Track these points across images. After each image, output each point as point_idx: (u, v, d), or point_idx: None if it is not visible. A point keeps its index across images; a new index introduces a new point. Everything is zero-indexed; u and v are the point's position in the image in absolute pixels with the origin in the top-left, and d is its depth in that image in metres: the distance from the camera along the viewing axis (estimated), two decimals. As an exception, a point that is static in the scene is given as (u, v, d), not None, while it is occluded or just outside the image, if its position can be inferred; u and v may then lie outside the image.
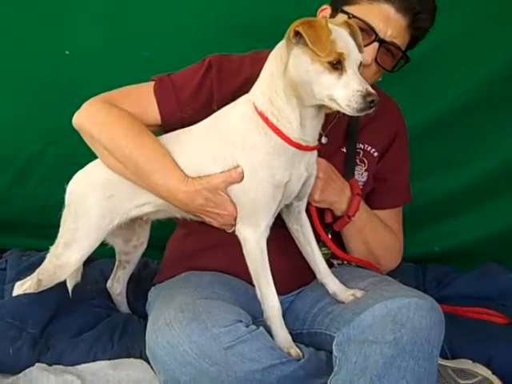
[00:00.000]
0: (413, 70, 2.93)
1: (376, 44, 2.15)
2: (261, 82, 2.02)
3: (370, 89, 1.81)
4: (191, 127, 2.17)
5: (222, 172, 2.03)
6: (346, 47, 1.84)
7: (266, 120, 1.97)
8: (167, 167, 2.09)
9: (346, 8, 2.19)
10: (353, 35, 1.91)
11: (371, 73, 2.22)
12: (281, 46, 1.96)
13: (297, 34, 1.86)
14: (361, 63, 1.88)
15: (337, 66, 1.82)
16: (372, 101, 1.79)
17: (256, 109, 1.99)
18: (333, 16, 2.22)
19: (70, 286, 2.42)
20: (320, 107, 1.96)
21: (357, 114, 1.83)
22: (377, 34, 2.15)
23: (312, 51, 1.82)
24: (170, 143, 2.15)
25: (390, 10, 2.15)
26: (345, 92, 1.81)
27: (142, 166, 2.10)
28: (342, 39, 1.85)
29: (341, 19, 1.99)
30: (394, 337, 1.81)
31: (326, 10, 2.28)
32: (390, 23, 2.15)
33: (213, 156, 2.06)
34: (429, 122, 3.08)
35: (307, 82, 1.87)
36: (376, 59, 2.19)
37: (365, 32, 2.13)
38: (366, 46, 2.11)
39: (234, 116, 2.06)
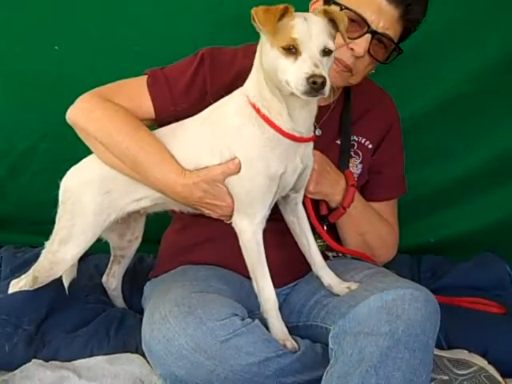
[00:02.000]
0: (406, 61, 2.92)
1: (368, 36, 2.15)
2: (251, 74, 2.04)
3: (318, 71, 1.79)
4: (186, 120, 2.17)
5: (219, 164, 2.03)
6: (303, 32, 1.83)
7: (258, 112, 1.98)
8: (165, 161, 2.09)
9: (338, 0, 2.19)
10: (333, 23, 1.90)
11: (364, 64, 2.22)
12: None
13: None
14: (329, 50, 1.86)
15: (292, 50, 1.82)
16: (314, 82, 1.77)
17: (249, 101, 2.00)
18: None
19: (66, 283, 2.42)
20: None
21: (306, 97, 1.83)
22: (369, 26, 2.15)
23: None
24: (166, 137, 2.15)
25: (381, 1, 2.15)
26: (295, 75, 1.81)
27: (140, 160, 2.10)
28: (302, 25, 1.84)
29: (321, 8, 1.96)
30: (390, 328, 1.80)
31: (317, 2, 2.27)
32: (381, 14, 2.15)
33: (210, 148, 2.06)
34: (422, 113, 3.08)
35: (271, 68, 1.89)
36: (369, 51, 2.18)
37: (357, 23, 2.14)
38: (358, 37, 2.13)
39: (229, 109, 2.06)
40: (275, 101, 1.95)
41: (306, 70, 1.79)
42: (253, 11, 1.85)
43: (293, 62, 1.82)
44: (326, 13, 1.91)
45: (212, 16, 2.98)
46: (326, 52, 1.85)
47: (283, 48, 1.83)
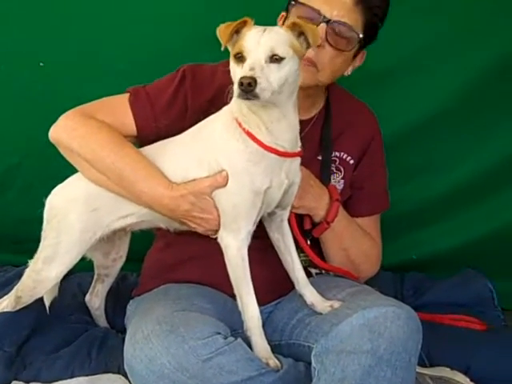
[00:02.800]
0: (391, 76, 2.99)
1: (323, 25, 2.15)
2: None
3: (249, 73, 1.80)
4: (176, 137, 2.18)
5: (207, 176, 2.04)
6: (252, 41, 1.86)
7: (240, 126, 2.00)
8: (151, 175, 2.09)
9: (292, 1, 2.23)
10: (301, 34, 1.93)
11: (327, 57, 2.20)
12: None
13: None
14: (279, 57, 1.85)
15: (240, 58, 1.86)
16: (241, 83, 1.79)
17: (233, 116, 2.01)
18: (287, 17, 2.26)
19: (47, 302, 2.40)
20: (277, 109, 1.95)
21: (242, 101, 1.87)
22: (322, 16, 2.16)
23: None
24: (154, 153, 2.17)
25: None
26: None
27: (126, 175, 2.10)
28: (255, 35, 1.87)
29: (289, 22, 1.98)
30: (372, 346, 1.81)
31: (283, 17, 2.31)
32: (333, 4, 2.17)
33: (198, 161, 2.07)
34: (405, 129, 3.09)
35: (233, 78, 1.92)
36: (328, 40, 2.17)
37: (312, 18, 2.15)
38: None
39: (217, 125, 2.08)
40: (250, 114, 1.97)
41: (241, 73, 1.82)
42: (217, 29, 1.92)
43: (240, 68, 1.86)
44: (294, 25, 1.93)
45: (195, 32, 2.97)
46: (276, 59, 1.85)
47: (234, 56, 1.88)
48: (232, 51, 1.90)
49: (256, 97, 1.80)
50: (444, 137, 3.12)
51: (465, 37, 2.98)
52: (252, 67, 1.81)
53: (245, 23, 1.90)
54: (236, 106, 2.00)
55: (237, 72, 1.86)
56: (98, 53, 3.02)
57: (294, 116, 2.01)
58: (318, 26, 2.13)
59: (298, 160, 2.09)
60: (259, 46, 1.85)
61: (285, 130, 2.00)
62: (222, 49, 1.92)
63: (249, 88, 1.78)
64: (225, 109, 2.10)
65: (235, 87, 1.82)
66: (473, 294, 2.84)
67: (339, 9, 2.17)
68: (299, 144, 2.06)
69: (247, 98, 1.82)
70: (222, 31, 1.90)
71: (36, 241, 2.26)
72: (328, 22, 2.16)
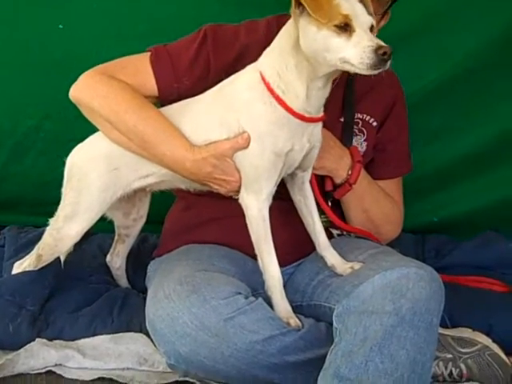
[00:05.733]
0: (409, 38, 2.95)
1: None
2: (270, 55, 2.02)
3: (381, 42, 1.79)
4: (197, 96, 2.17)
5: (228, 138, 2.03)
6: (351, 9, 1.83)
7: (271, 91, 1.97)
8: (173, 137, 2.08)
9: None
10: (362, 2, 1.89)
11: None
12: (290, 21, 1.95)
13: (299, 5, 1.85)
14: (372, 26, 1.86)
15: (345, 27, 1.81)
16: (384, 53, 1.76)
17: (263, 79, 1.99)
18: None
19: (62, 258, 2.41)
20: (328, 78, 1.95)
21: (372, 72, 1.80)
22: None
23: (316, 19, 1.82)
24: (176, 113, 2.15)
25: None
26: (355, 50, 1.79)
27: (148, 138, 2.09)
28: (347, 3, 1.84)
29: None
30: (394, 307, 1.80)
31: None
32: None
33: (219, 122, 2.06)
34: (427, 90, 3.05)
35: (318, 50, 1.86)
36: None
37: None
38: None
39: (241, 84, 2.06)
40: (297, 84, 1.94)
41: (369, 43, 1.78)
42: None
43: (347, 38, 1.80)
44: None
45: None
46: (371, 29, 1.85)
47: (336, 26, 1.80)
48: (331, 21, 1.80)
49: (385, 67, 1.80)
50: (465, 98, 3.07)
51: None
52: (374, 37, 1.80)
53: None
54: (273, 71, 1.97)
55: (340, 43, 1.80)
56: (117, 14, 2.99)
57: (330, 84, 2.00)
58: None
59: (320, 124, 2.08)
60: (360, 17, 1.83)
61: (321, 97, 1.99)
62: (325, 21, 1.80)
63: (389, 57, 1.77)
64: (249, 68, 2.07)
65: (368, 56, 1.76)
66: (494, 255, 2.82)
67: None
68: (322, 108, 2.05)
69: (379, 68, 1.79)
70: (315, 3, 1.80)
71: (56, 203, 2.27)
72: None
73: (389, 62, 1.79)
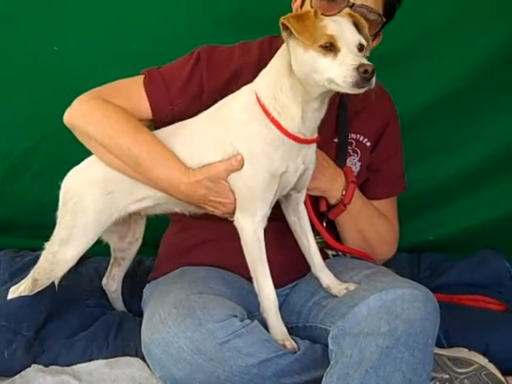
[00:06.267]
0: (403, 57, 2.99)
1: (347, 9, 2.08)
2: (266, 77, 2.04)
3: (364, 60, 1.80)
4: (191, 119, 2.18)
5: (222, 160, 2.03)
6: (337, 30, 1.84)
7: (267, 113, 1.98)
8: (168, 161, 2.09)
9: None
10: (357, 27, 1.92)
11: None
12: (284, 44, 1.98)
13: (286, 27, 1.87)
14: (363, 46, 1.88)
15: (330, 48, 1.82)
16: (365, 71, 1.77)
17: (259, 100, 2.00)
18: (303, 1, 2.21)
19: (56, 281, 2.38)
20: (322, 100, 1.97)
21: (356, 91, 1.81)
22: (346, 0, 2.10)
23: (302, 41, 1.84)
24: (170, 136, 2.16)
25: None
26: (339, 70, 1.81)
27: (143, 161, 2.10)
28: (334, 24, 1.86)
29: (343, 12, 1.99)
30: (389, 328, 1.80)
31: (297, 0, 2.26)
32: None
33: (214, 144, 2.07)
34: (420, 109, 3.08)
35: (307, 72, 1.88)
36: None
37: (335, 2, 2.11)
38: (338, 12, 2.05)
39: (236, 105, 2.07)
40: (292, 106, 1.96)
41: (352, 61, 1.79)
42: (284, 21, 1.86)
43: (333, 58, 1.82)
44: (350, 16, 1.94)
45: (210, 14, 2.99)
46: (360, 48, 1.87)
47: (321, 46, 1.83)
48: (316, 42, 1.82)
49: (370, 85, 1.80)
50: (459, 116, 3.10)
51: (474, 19, 2.97)
52: (360, 56, 1.82)
53: (316, 14, 1.86)
54: (269, 93, 1.99)
55: (326, 63, 1.82)
56: (112, 36, 3.01)
57: (326, 106, 2.02)
58: (341, 10, 2.08)
59: (314, 145, 2.09)
60: (347, 36, 1.85)
61: (316, 119, 2.01)
62: (310, 43, 1.83)
63: (371, 75, 1.78)
64: (244, 89, 2.08)
65: (350, 75, 1.77)
66: (491, 274, 2.82)
67: None
68: (316, 129, 2.06)
69: (363, 87, 1.80)
70: (300, 26, 1.83)
71: (53, 226, 2.27)
72: (352, 6, 2.11)
73: (373, 80, 1.79)
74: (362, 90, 1.81)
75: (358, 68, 1.77)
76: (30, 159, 3.17)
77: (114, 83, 2.29)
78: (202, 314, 1.90)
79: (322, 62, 1.83)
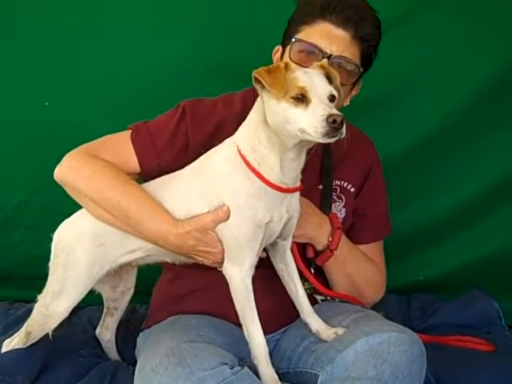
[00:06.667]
0: (384, 102, 3.03)
1: (324, 60, 2.13)
2: (245, 129, 2.08)
3: (334, 110, 1.84)
4: (178, 172, 2.22)
5: (209, 212, 2.07)
6: (308, 81, 1.89)
7: (248, 164, 2.03)
8: (156, 213, 2.13)
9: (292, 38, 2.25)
10: (329, 78, 1.98)
11: None
12: (259, 97, 2.03)
13: (259, 81, 1.93)
14: (334, 97, 1.93)
15: (301, 99, 1.87)
16: (334, 121, 1.81)
17: (239, 152, 2.04)
18: (283, 53, 2.29)
19: (50, 332, 2.38)
20: (299, 149, 2.00)
21: (327, 140, 1.86)
22: (323, 52, 2.18)
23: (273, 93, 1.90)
24: (157, 189, 2.20)
25: (329, 26, 2.20)
26: (310, 120, 1.85)
27: (132, 215, 2.14)
28: (305, 75, 1.92)
29: (315, 64, 2.05)
30: (376, 372, 1.83)
31: (278, 50, 2.34)
32: (333, 39, 2.20)
33: (200, 196, 2.11)
34: (404, 152, 3.13)
35: (280, 123, 1.93)
36: None
37: (313, 54, 2.19)
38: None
39: (219, 157, 2.11)
40: (271, 157, 2.00)
41: (322, 112, 1.83)
42: (255, 74, 1.92)
43: (304, 109, 1.87)
44: (321, 67, 1.99)
45: (197, 66, 3.06)
46: (331, 99, 1.92)
47: (293, 98, 1.87)
48: (288, 93, 1.87)
49: (341, 134, 1.84)
50: (442, 157, 3.16)
51: (455, 61, 3.05)
52: (329, 106, 1.86)
53: (287, 66, 1.92)
54: (248, 144, 2.04)
55: (298, 114, 1.87)
56: (101, 90, 3.08)
57: (304, 155, 2.06)
58: (319, 61, 2.13)
59: (297, 194, 2.13)
60: (318, 87, 1.90)
61: (295, 168, 2.05)
62: (282, 95, 1.88)
63: (341, 125, 1.82)
64: (226, 142, 2.13)
65: (320, 125, 1.82)
66: (479, 314, 2.83)
67: (338, 44, 2.20)
68: (299, 177, 2.10)
69: (333, 136, 1.84)
70: (271, 78, 1.88)
71: (45, 277, 2.28)
72: (329, 57, 2.17)
73: (343, 130, 1.83)
74: (332, 140, 1.86)
75: (327, 118, 1.82)
76: (23, 212, 3.20)
77: (102, 139, 2.33)
78: (193, 362, 1.90)
79: (293, 113, 1.88)
